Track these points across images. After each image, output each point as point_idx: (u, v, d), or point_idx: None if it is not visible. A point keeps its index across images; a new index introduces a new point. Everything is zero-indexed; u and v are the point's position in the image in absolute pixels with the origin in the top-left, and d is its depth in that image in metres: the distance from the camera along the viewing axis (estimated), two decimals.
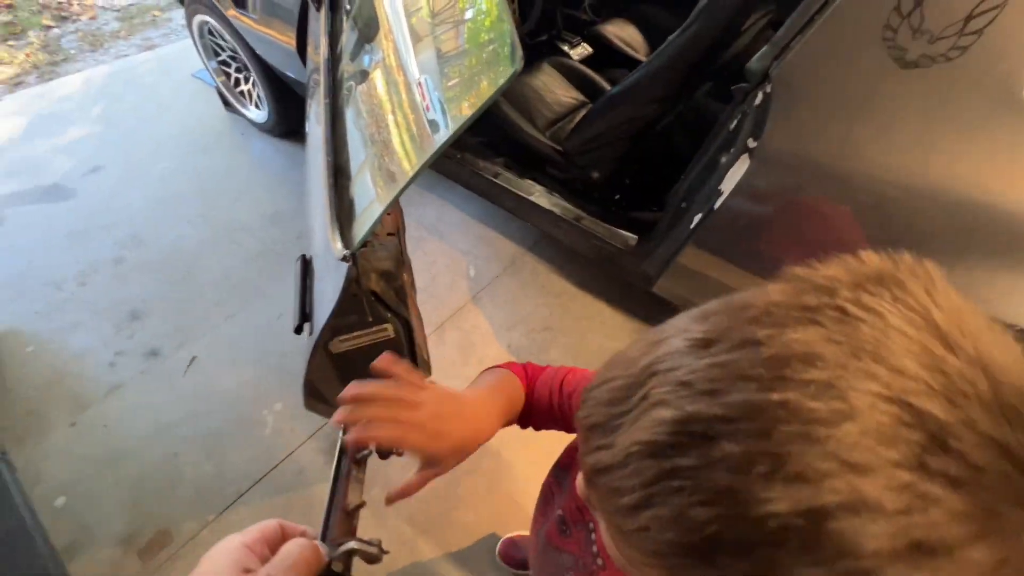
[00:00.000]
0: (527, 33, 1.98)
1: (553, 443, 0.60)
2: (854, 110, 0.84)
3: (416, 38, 0.73)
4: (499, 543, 1.31)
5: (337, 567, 0.34)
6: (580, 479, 0.29)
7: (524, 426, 0.59)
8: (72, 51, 3.16)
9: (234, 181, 2.28)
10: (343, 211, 0.73)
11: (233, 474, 1.43)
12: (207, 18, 2.14)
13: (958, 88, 0.78)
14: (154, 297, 1.84)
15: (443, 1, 0.71)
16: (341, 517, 0.37)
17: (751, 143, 0.94)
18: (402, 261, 0.77)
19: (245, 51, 2.08)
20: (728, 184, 0.99)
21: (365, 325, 0.86)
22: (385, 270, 0.72)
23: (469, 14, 0.67)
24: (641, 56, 1.93)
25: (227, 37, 2.12)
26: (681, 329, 0.24)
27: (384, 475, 1.22)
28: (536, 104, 1.70)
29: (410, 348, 0.96)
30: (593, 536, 0.47)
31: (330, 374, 0.97)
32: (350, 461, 0.41)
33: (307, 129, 1.21)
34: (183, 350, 1.70)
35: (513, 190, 1.63)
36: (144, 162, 2.35)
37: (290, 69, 1.93)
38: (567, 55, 1.98)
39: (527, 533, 0.93)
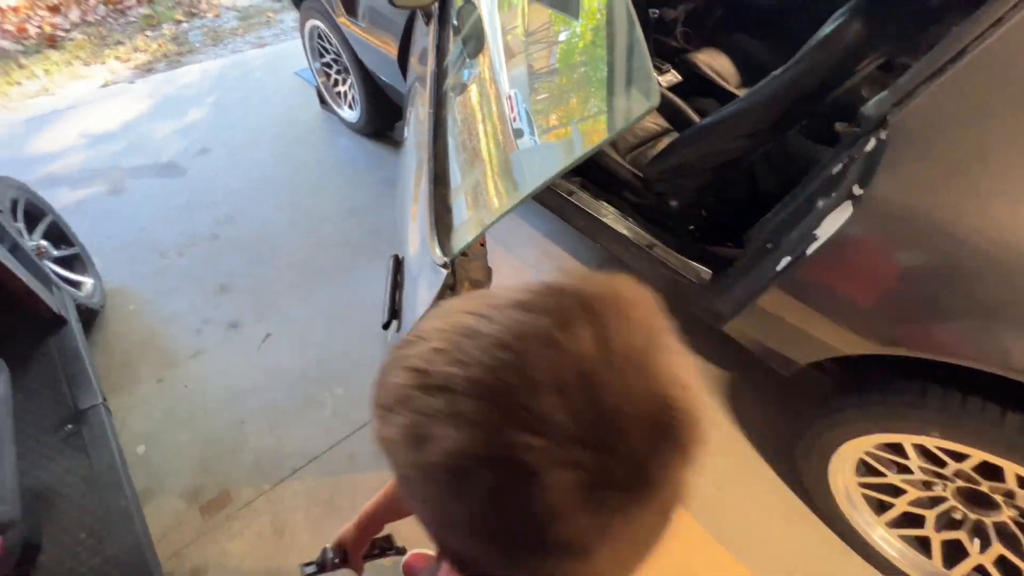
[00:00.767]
0: None
1: None
2: (982, 167, 0.78)
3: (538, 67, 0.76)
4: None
5: None
6: None
7: None
8: (196, 44, 3.51)
9: (320, 174, 2.44)
10: (442, 219, 0.77)
11: (291, 449, 1.51)
12: (318, 23, 2.32)
13: None
14: (241, 273, 1.99)
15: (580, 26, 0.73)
16: None
17: (856, 190, 0.89)
18: (489, 272, 0.80)
19: (348, 55, 2.23)
20: (825, 230, 0.94)
21: None
22: (476, 279, 0.76)
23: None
24: (732, 87, 1.89)
25: (333, 41, 2.29)
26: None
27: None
28: None
29: None
30: None
31: None
32: None
33: (405, 134, 1.28)
34: (260, 325, 1.82)
35: (586, 209, 1.64)
36: (245, 148, 2.57)
37: (387, 75, 2.05)
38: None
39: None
